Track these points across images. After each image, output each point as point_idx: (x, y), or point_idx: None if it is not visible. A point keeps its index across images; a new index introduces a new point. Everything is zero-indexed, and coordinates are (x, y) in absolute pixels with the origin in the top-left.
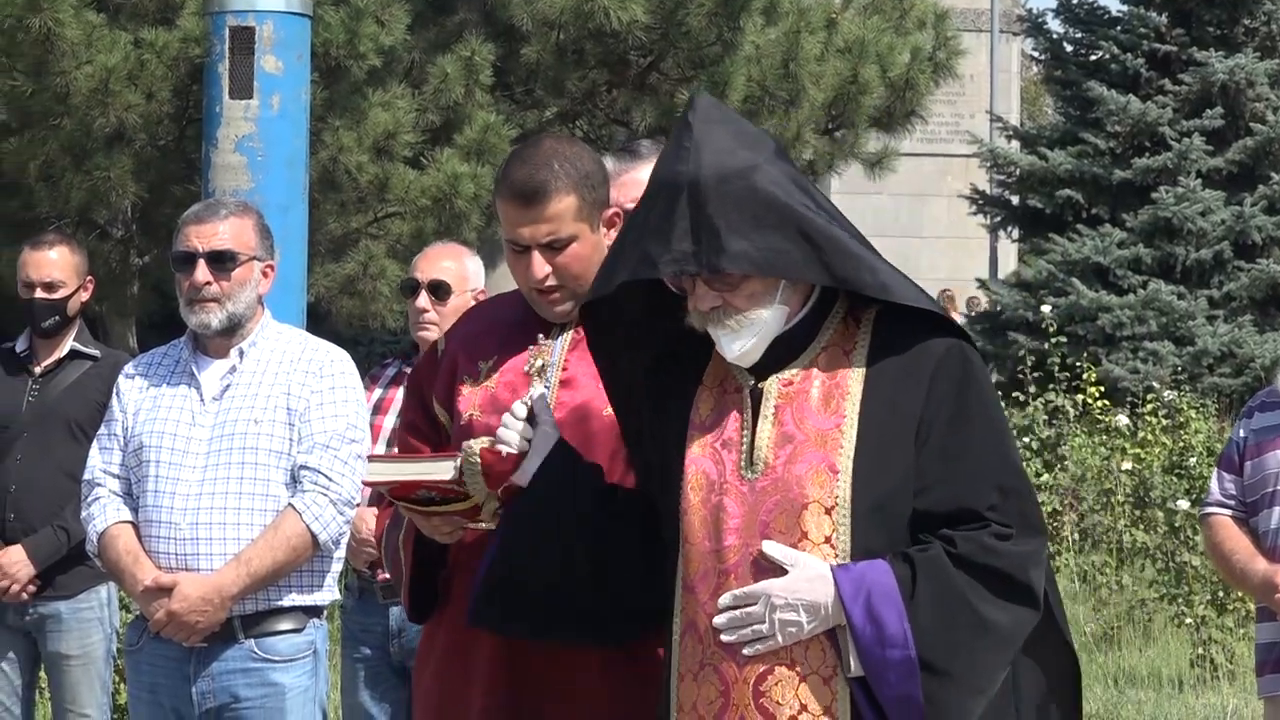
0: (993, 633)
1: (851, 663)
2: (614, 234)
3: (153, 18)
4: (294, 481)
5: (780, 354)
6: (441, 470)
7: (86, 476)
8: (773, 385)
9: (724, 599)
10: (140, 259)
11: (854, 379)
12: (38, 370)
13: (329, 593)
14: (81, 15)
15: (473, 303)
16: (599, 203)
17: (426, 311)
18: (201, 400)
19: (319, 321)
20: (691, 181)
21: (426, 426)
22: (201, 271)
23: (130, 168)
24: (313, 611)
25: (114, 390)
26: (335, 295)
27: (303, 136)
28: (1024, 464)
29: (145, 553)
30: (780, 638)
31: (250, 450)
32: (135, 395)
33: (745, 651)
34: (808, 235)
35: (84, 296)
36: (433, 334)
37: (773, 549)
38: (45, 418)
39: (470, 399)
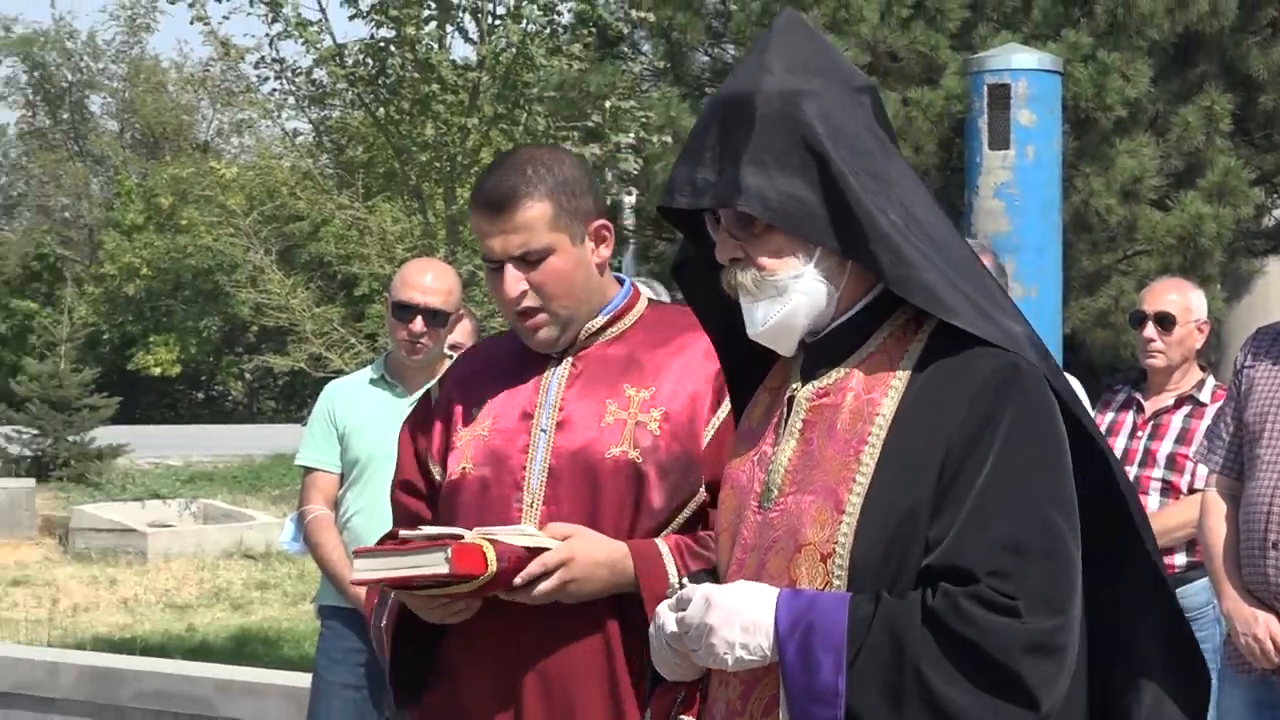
0: None
1: (782, 715)
2: (604, 249)
3: (919, 79)
4: None
5: (832, 354)
6: (433, 563)
7: None
8: (805, 394)
9: (661, 606)
10: None
11: (889, 396)
12: None
13: None
14: None
15: (1197, 334)
16: (580, 212)
17: (1154, 341)
18: None
19: (1075, 351)
20: (731, 96)
21: (424, 485)
22: None
23: None
24: None
25: None
26: (1089, 327)
27: (1055, 183)
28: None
29: None
30: (704, 654)
31: None
32: None
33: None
34: (831, 188)
35: None
36: (1159, 361)
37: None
38: None
39: (463, 450)
